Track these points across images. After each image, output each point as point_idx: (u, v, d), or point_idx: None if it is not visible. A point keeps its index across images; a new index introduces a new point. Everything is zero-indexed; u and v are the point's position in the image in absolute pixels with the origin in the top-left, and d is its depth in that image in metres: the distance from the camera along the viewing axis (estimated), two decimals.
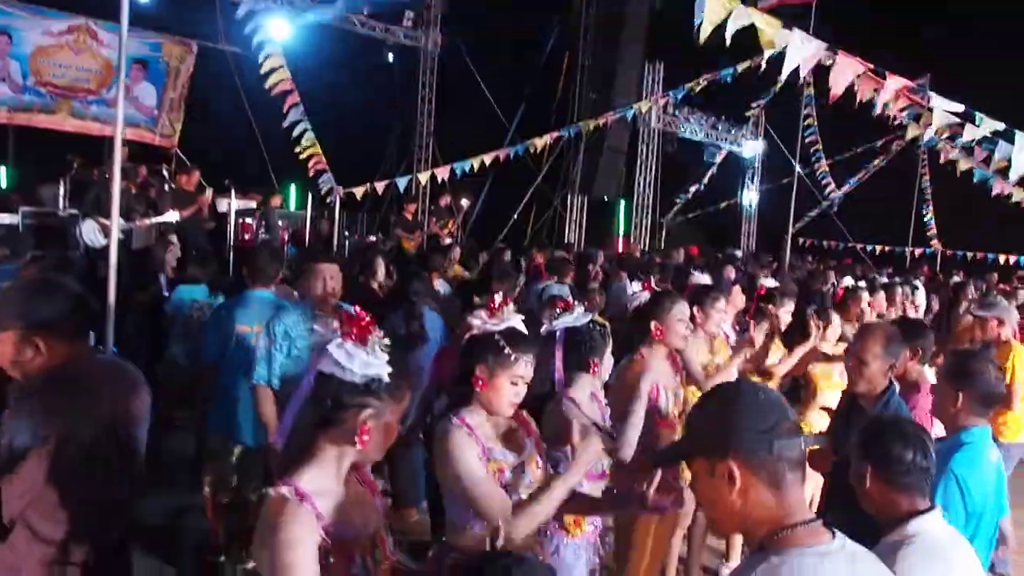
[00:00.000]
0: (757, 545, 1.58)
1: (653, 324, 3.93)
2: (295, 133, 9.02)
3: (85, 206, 8.68)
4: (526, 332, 2.68)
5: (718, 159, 19.62)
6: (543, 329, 3.37)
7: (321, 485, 1.87)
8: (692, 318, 4.25)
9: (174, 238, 8.39)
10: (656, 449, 3.70)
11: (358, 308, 1.98)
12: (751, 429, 1.54)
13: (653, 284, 4.91)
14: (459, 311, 6.04)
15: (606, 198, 18.99)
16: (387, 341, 1.96)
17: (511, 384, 2.57)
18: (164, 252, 7.11)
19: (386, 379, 1.92)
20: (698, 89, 12.68)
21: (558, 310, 3.34)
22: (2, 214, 9.15)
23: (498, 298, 2.67)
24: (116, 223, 4.16)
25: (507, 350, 2.55)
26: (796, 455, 1.57)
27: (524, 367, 2.58)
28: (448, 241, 11.62)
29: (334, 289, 4.20)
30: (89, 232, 8.40)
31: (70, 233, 8.80)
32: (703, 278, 5.05)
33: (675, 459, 1.81)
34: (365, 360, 1.89)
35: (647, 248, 19.01)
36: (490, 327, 2.60)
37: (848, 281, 7.80)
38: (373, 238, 11.15)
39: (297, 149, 9.44)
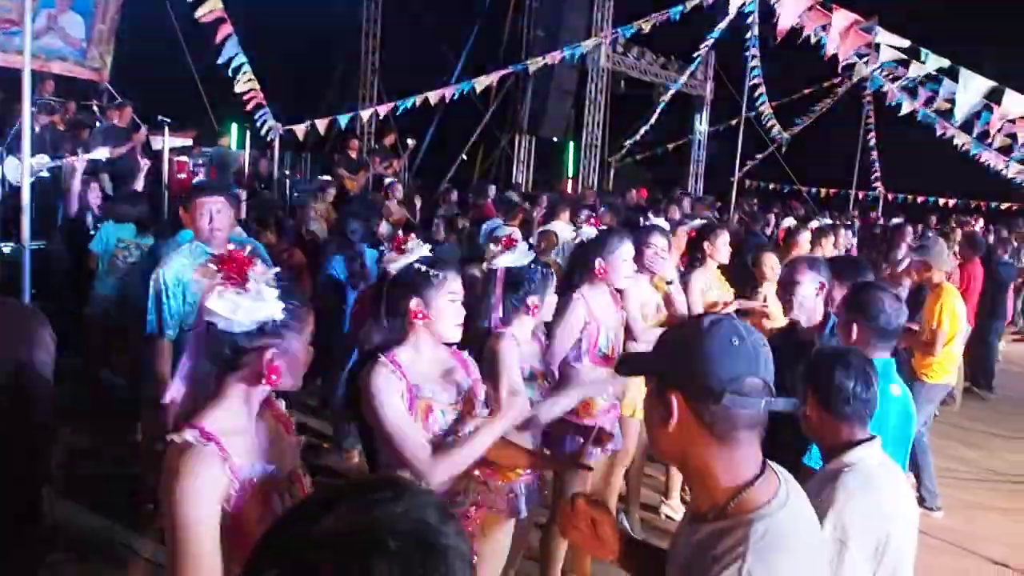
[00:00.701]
0: (717, 511, 1.48)
1: (597, 262, 3.87)
2: (232, 67, 8.65)
3: (6, 142, 8.27)
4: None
5: (666, 99, 19.49)
6: (483, 266, 3.32)
7: (230, 424, 1.79)
8: (636, 259, 4.19)
9: (105, 176, 8.10)
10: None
11: (242, 248, 1.87)
12: (708, 374, 1.44)
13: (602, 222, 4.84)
14: None
15: (555, 139, 18.83)
16: (273, 272, 1.86)
17: (450, 302, 2.58)
18: (86, 190, 6.83)
19: (280, 316, 1.82)
20: (647, 28, 12.47)
21: (500, 247, 3.27)
22: None
23: (400, 234, 2.68)
24: (28, 161, 3.95)
25: (432, 272, 2.55)
26: (752, 414, 1.47)
27: (455, 282, 2.60)
28: (390, 179, 11.41)
29: (222, 224, 3.92)
30: (11, 169, 8.02)
31: None
32: (658, 220, 4.98)
33: (634, 371, 1.73)
34: (250, 306, 1.78)
35: (598, 190, 18.96)
36: (405, 260, 2.57)
37: (789, 222, 7.85)
38: (322, 180, 10.82)
39: (236, 86, 9.08)
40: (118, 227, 6.05)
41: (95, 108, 11.48)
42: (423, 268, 2.56)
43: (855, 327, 2.96)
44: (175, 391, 1.86)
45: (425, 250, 2.62)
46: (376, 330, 2.60)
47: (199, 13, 7.89)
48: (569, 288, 3.85)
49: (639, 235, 4.64)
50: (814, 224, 7.56)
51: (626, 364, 1.75)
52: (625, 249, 3.94)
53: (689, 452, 1.50)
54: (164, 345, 3.88)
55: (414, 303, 2.53)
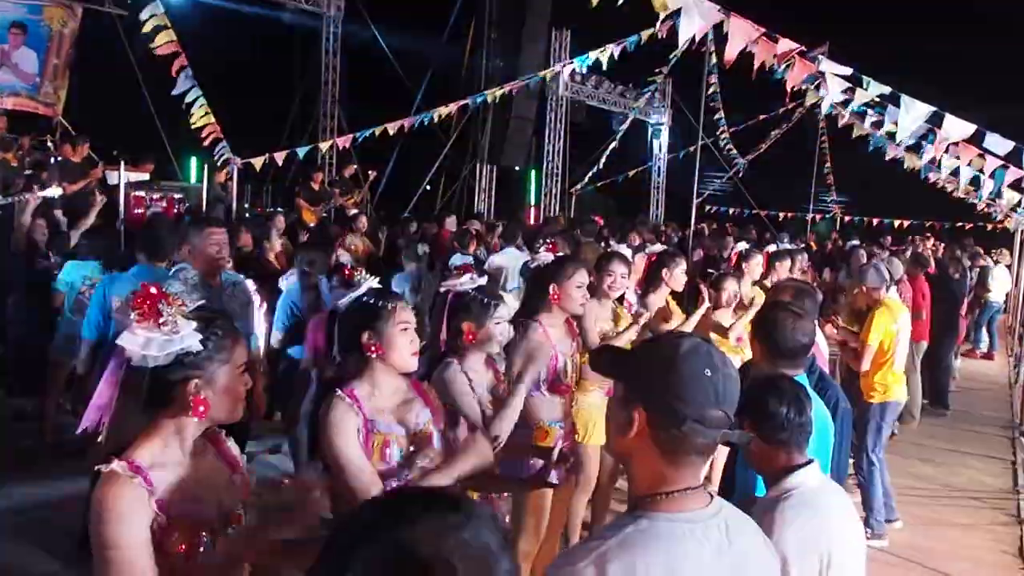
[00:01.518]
0: (632, 503, 1.55)
1: (551, 287, 3.89)
2: (187, 100, 8.61)
3: None
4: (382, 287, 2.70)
5: (624, 127, 19.76)
6: (439, 290, 3.39)
7: (160, 458, 1.81)
8: (591, 286, 4.22)
9: (58, 212, 7.98)
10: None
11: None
12: (675, 400, 1.49)
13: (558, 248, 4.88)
14: None
15: (516, 168, 18.94)
16: (187, 303, 1.87)
17: (402, 332, 2.56)
18: (33, 225, 6.73)
19: (197, 347, 1.83)
20: (604, 57, 12.64)
21: (453, 275, 3.37)
22: None
23: (348, 264, 2.76)
24: None
25: (380, 303, 2.55)
26: (707, 444, 1.52)
27: (404, 312, 2.59)
28: (354, 212, 11.39)
29: (224, 254, 4.11)
30: None
31: None
32: (621, 248, 5.03)
33: (608, 371, 1.72)
34: (164, 340, 1.78)
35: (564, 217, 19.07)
36: (353, 295, 2.58)
37: (743, 246, 7.99)
38: (274, 211, 10.78)
39: (192, 120, 9.02)
40: (82, 264, 6.00)
41: (49, 144, 11.35)
42: (371, 300, 2.57)
43: (757, 346, 3.02)
44: (88, 421, 1.84)
45: (373, 283, 2.63)
46: (331, 365, 2.61)
47: (154, 44, 7.85)
48: (527, 315, 3.89)
49: (600, 262, 4.71)
50: (771, 248, 7.68)
51: (603, 359, 1.75)
52: (579, 276, 3.97)
53: (636, 459, 1.56)
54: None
55: (366, 336, 2.52)
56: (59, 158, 9.79)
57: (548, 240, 4.87)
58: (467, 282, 3.32)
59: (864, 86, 5.31)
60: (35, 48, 12.07)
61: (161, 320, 1.79)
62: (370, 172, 13.26)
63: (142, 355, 1.77)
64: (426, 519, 0.98)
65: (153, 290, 1.82)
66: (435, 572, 0.94)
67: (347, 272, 2.65)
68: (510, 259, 7.77)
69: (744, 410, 2.33)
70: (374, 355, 2.53)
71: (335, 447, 2.43)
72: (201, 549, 1.79)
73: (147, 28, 7.92)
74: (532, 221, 16.61)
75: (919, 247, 14.74)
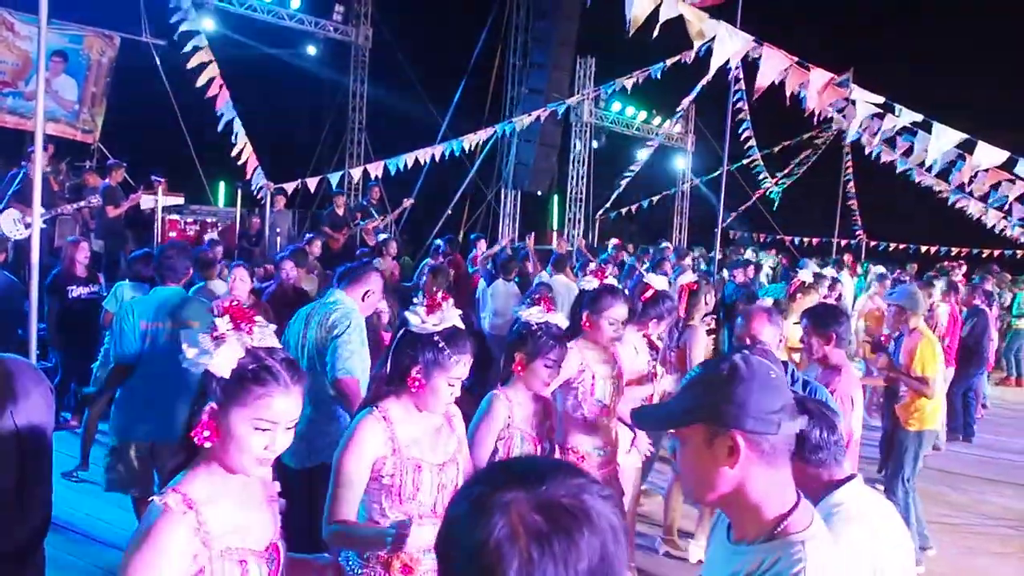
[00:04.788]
0: (766, 532, 1.58)
1: (585, 315, 3.92)
2: (226, 130, 8.78)
3: (8, 198, 8.33)
4: (464, 328, 2.63)
5: (648, 153, 19.84)
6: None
7: (210, 490, 1.81)
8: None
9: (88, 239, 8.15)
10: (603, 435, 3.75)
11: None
12: (762, 407, 1.56)
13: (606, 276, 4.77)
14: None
15: (539, 193, 19.04)
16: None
17: (448, 385, 2.53)
18: (74, 251, 6.85)
19: (224, 373, 1.80)
20: (629, 84, 12.77)
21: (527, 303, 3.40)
22: None
23: (438, 295, 2.60)
24: (38, 220, 4.04)
25: (446, 351, 2.51)
26: (792, 437, 1.62)
27: (462, 368, 2.54)
28: (384, 236, 11.49)
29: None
30: (7, 223, 8.05)
31: None
32: (657, 280, 4.80)
33: (666, 424, 1.76)
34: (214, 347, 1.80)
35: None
36: (429, 327, 2.53)
37: (807, 275, 7.83)
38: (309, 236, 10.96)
39: (234, 152, 9.18)
40: (134, 286, 6.08)
41: (87, 168, 11.58)
42: (440, 343, 2.51)
43: None
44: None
45: (455, 318, 2.58)
46: (378, 373, 2.64)
47: (200, 83, 8.03)
48: (570, 338, 3.85)
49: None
50: (807, 275, 7.48)
51: (651, 418, 1.79)
52: (614, 311, 3.91)
53: (746, 486, 1.59)
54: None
55: (415, 370, 2.51)
56: (107, 182, 9.95)
57: (599, 265, 4.75)
58: (535, 314, 3.31)
59: (896, 113, 5.36)
60: (74, 76, 12.41)
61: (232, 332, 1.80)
62: (405, 200, 13.25)
63: (197, 359, 1.79)
64: (557, 480, 1.03)
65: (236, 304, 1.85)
66: (573, 520, 0.99)
67: (434, 300, 2.58)
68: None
69: None
70: (413, 389, 2.53)
71: (342, 455, 2.46)
72: None
73: (193, 63, 8.08)
74: (555, 245, 16.69)
75: (951, 273, 14.59)
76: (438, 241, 10.43)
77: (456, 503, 1.05)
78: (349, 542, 2.45)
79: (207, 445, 1.77)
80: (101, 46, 12.57)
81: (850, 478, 2.35)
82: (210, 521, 1.75)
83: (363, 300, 4.13)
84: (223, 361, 1.76)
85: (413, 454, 2.51)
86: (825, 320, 4.10)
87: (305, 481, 3.70)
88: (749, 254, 15.70)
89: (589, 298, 4.00)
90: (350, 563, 2.49)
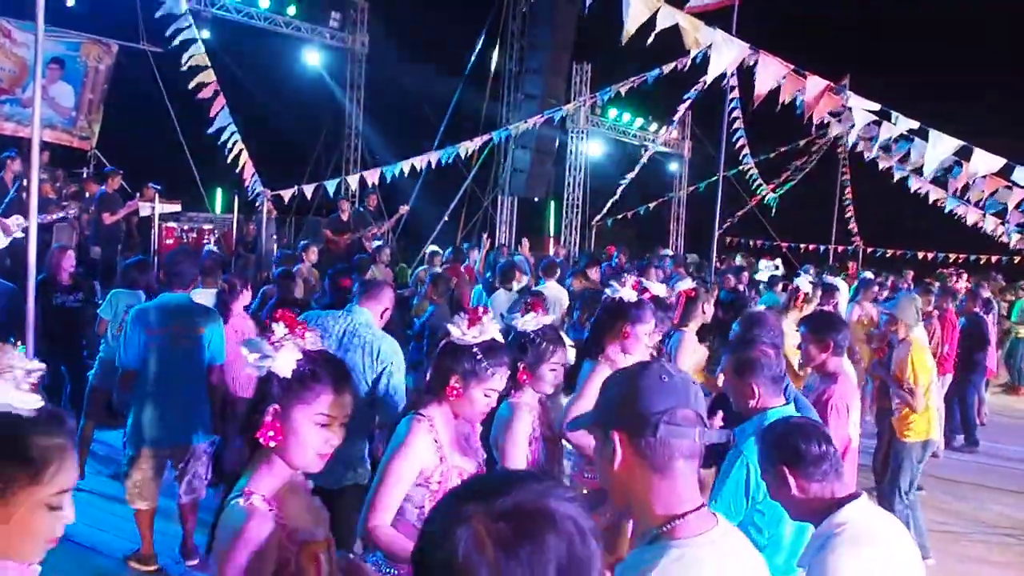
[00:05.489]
0: (651, 535, 1.59)
1: (625, 327, 3.67)
2: (223, 138, 8.75)
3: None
4: (502, 342, 2.72)
5: (645, 159, 19.86)
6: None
7: (278, 487, 1.90)
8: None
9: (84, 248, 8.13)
10: None
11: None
12: (643, 409, 1.56)
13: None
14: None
15: (536, 199, 19.05)
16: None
17: (484, 396, 2.62)
18: (60, 258, 6.78)
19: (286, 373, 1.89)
20: (625, 91, 12.80)
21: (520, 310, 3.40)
22: None
23: (480, 309, 2.69)
24: (34, 226, 4.04)
25: (484, 363, 2.60)
26: (689, 444, 1.58)
27: (499, 380, 2.64)
28: (378, 244, 11.50)
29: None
30: None
31: None
32: (657, 287, 4.67)
33: (578, 427, 1.82)
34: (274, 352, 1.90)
35: (579, 248, 19.17)
36: (469, 339, 2.62)
37: (804, 283, 7.84)
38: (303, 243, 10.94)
39: (229, 158, 9.16)
40: (129, 293, 6.06)
41: (84, 175, 11.59)
42: (478, 355, 2.61)
43: (750, 388, 3.05)
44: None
45: (495, 332, 2.67)
46: (419, 381, 2.71)
47: (192, 85, 8.02)
48: (596, 351, 3.73)
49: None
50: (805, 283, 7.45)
51: (575, 421, 1.84)
52: (649, 326, 3.76)
53: (632, 487, 1.60)
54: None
55: (454, 380, 2.60)
56: (103, 189, 9.92)
57: (635, 276, 4.56)
58: (530, 322, 3.29)
59: (892, 120, 5.37)
60: (72, 83, 12.41)
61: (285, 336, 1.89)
62: (401, 208, 13.27)
63: (258, 363, 1.88)
64: (518, 488, 1.05)
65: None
66: (536, 523, 1.01)
67: (475, 314, 2.66)
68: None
69: (778, 459, 2.39)
70: (452, 398, 2.61)
71: (393, 457, 2.53)
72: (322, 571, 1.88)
73: (187, 67, 8.07)
74: (552, 251, 16.71)
75: (950, 281, 14.56)
76: (434, 247, 10.42)
77: (428, 521, 1.08)
78: (387, 547, 2.51)
79: (271, 444, 1.87)
80: (98, 53, 12.58)
81: (854, 496, 2.34)
82: (287, 517, 1.85)
83: (381, 317, 4.13)
84: (284, 363, 1.88)
85: (456, 463, 2.61)
86: (823, 328, 4.11)
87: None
88: (739, 260, 15.71)
89: (627, 309, 3.73)
90: (379, 562, 2.57)
